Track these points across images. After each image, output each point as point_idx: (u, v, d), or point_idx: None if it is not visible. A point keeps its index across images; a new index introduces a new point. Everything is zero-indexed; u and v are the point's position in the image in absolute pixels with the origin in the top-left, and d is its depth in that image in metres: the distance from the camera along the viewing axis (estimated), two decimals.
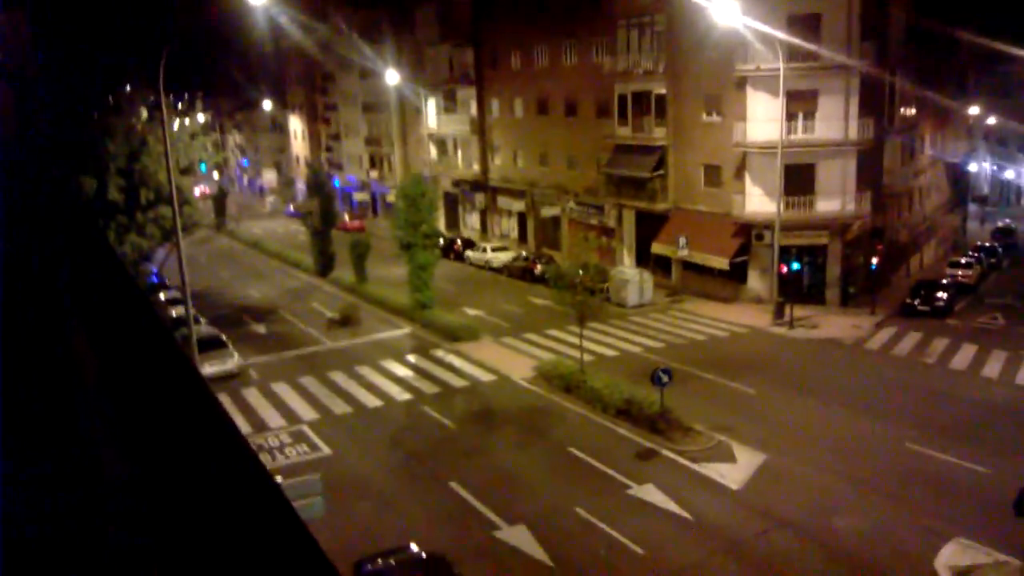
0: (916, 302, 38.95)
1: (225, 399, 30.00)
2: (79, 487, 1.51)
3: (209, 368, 31.00)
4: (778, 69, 35.66)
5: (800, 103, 38.55)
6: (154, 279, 42.82)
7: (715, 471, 22.37)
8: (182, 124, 34.49)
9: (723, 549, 18.66)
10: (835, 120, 38.53)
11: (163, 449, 1.63)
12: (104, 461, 1.61)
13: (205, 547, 1.35)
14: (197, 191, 34.73)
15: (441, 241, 47.63)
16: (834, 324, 37.03)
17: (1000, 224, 63.71)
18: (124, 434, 1.72)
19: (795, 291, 37.38)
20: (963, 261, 46.91)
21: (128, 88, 33.20)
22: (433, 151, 67.56)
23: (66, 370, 2.09)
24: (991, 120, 70.78)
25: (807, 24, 37.85)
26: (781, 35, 36.21)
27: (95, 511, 1.44)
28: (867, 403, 27.35)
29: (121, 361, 2.13)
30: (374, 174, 77.19)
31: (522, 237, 58.24)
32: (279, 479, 15.22)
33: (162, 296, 41.38)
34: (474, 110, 60.92)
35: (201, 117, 34.29)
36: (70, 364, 2.15)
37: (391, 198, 65.57)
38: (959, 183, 63.83)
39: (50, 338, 2.25)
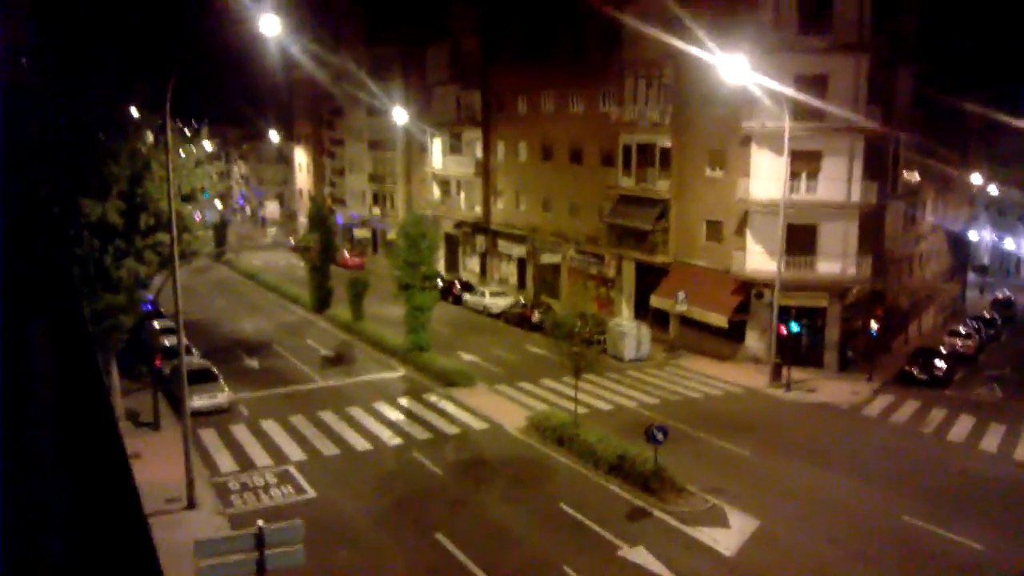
0: (915, 370, 38.68)
1: (213, 434, 29.55)
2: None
3: (198, 401, 30.56)
4: (783, 127, 35.77)
5: (804, 163, 38.63)
6: (149, 307, 42.45)
7: (708, 536, 21.89)
8: (188, 150, 34.32)
9: None
10: (839, 181, 38.57)
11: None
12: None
13: None
14: (197, 216, 34.45)
15: (440, 283, 47.41)
16: (831, 388, 36.69)
17: (999, 295, 63.71)
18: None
19: (793, 353, 37.10)
20: (963, 331, 46.75)
21: (135, 111, 33.13)
22: (436, 191, 67.68)
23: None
24: (993, 189, 71.13)
25: (814, 84, 38.04)
26: (788, 93, 36.38)
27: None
28: (863, 471, 26.94)
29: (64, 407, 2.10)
30: (376, 211, 77.26)
31: (521, 283, 58.06)
32: (261, 523, 14.79)
33: (156, 324, 41.00)
34: (479, 152, 61.14)
35: (207, 145, 34.35)
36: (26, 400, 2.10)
37: (392, 236, 65.60)
38: (959, 251, 63.87)
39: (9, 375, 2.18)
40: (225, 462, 27.01)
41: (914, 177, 47.38)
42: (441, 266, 61.21)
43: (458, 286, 56.66)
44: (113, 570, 1.59)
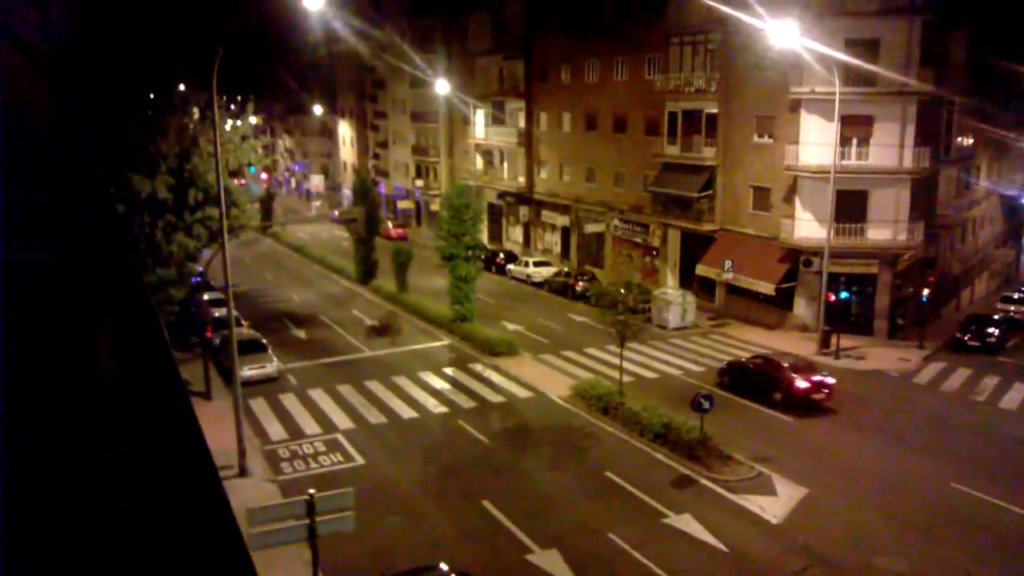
0: (967, 337, 37.95)
1: (263, 403, 30.13)
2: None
3: (248, 372, 31.13)
4: (834, 93, 35.04)
5: (855, 128, 37.85)
6: (199, 279, 43.22)
7: (754, 503, 21.84)
8: (233, 126, 34.71)
9: None
10: (890, 147, 37.75)
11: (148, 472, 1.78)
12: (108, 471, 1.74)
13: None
14: (242, 184, 34.83)
15: (483, 254, 47.52)
16: (881, 356, 36.17)
17: None
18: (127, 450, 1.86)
19: (842, 320, 36.61)
20: (1016, 296, 45.67)
21: (182, 87, 33.53)
22: (479, 162, 67.62)
23: (84, 376, 2.14)
24: None
25: (866, 48, 37.17)
26: (839, 58, 35.60)
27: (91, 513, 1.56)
28: (913, 439, 26.61)
29: (129, 376, 2.18)
30: (420, 183, 77.47)
31: (564, 253, 57.96)
32: (312, 492, 15.09)
33: (206, 296, 41.70)
34: (522, 122, 60.86)
35: (252, 119, 34.69)
36: (89, 370, 2.17)
37: (435, 207, 65.78)
38: (1014, 217, 62.24)
39: (72, 342, 2.25)
40: (276, 430, 27.55)
41: (968, 141, 46.19)
42: (484, 237, 61.29)
43: (501, 256, 56.74)
44: (193, 525, 1.66)
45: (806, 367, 30.00)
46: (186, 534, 1.58)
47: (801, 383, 28.60)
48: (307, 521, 14.89)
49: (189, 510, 1.66)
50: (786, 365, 29.59)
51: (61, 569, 1.38)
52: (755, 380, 30.08)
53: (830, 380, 29.17)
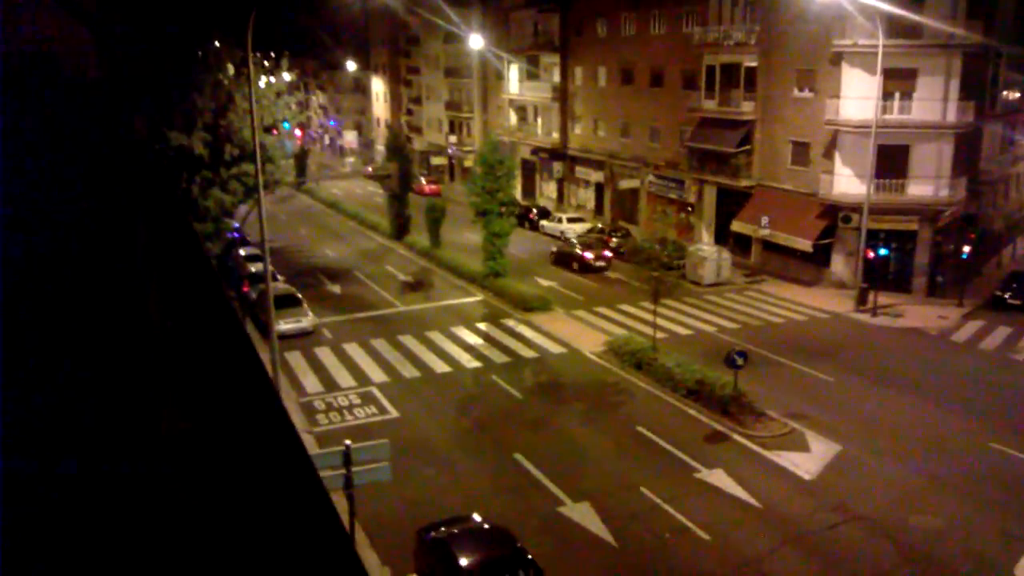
0: (1007, 295, 37.25)
1: (299, 356, 30.50)
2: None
3: (284, 325, 31.49)
4: (876, 46, 34.21)
5: (898, 82, 36.99)
6: (235, 235, 43.68)
7: (787, 460, 21.81)
8: (268, 82, 34.71)
9: (792, 540, 18.19)
10: (934, 101, 36.87)
11: (208, 412, 1.77)
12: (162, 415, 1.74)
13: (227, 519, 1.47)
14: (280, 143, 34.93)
15: (517, 209, 47.40)
16: (919, 314, 35.70)
17: None
18: (179, 394, 1.85)
19: (880, 278, 36.13)
20: None
21: (216, 43, 33.53)
22: (513, 118, 67.13)
23: (136, 326, 2.17)
24: None
25: None
26: (883, 9, 34.69)
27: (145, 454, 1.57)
28: (950, 398, 26.32)
29: (186, 330, 2.20)
30: (453, 139, 77.16)
31: (598, 209, 57.61)
32: (348, 442, 15.30)
33: (242, 252, 42.17)
34: (557, 77, 60.21)
35: (286, 76, 34.70)
36: (141, 322, 2.19)
37: (469, 163, 65.51)
38: None
39: (122, 293, 2.27)
40: (311, 383, 27.91)
41: (1015, 95, 44.95)
42: (518, 193, 61.06)
43: (535, 212, 56.53)
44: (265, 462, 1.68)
45: (596, 246, 44.66)
46: (259, 470, 1.61)
47: (588, 255, 43.21)
48: (344, 471, 15.13)
49: (261, 447, 1.69)
50: (579, 246, 44.25)
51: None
52: (567, 258, 44.28)
53: (608, 254, 43.55)
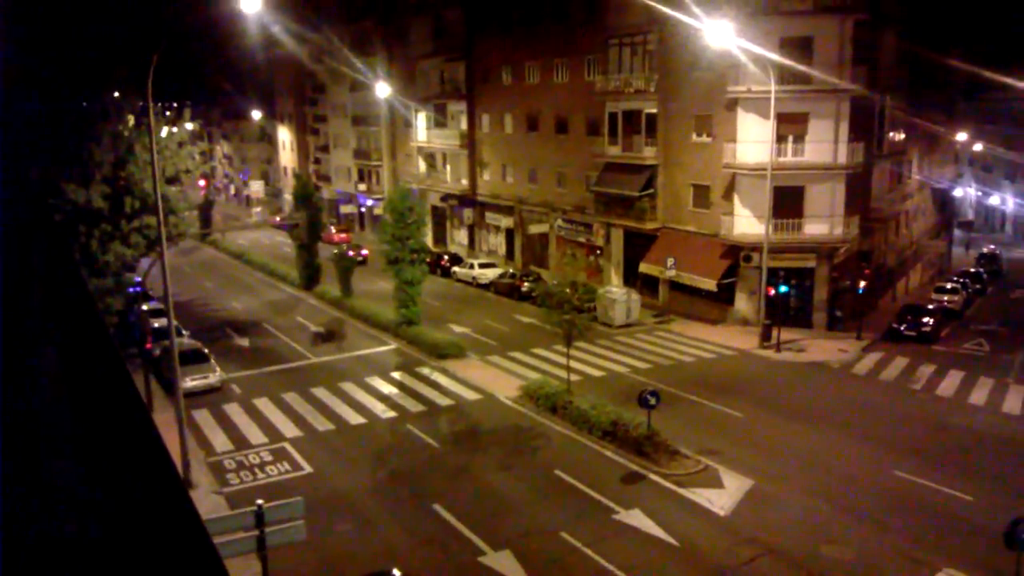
0: (902, 327, 38.98)
1: (207, 414, 29.61)
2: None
3: (191, 382, 30.57)
4: (769, 91, 35.70)
5: (791, 126, 38.62)
6: (137, 289, 42.31)
7: (702, 496, 22.13)
8: (170, 132, 34.02)
9: None
10: (825, 143, 38.60)
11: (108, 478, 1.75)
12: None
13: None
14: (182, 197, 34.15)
15: (428, 257, 47.38)
16: (821, 348, 36.97)
17: (985, 250, 64.09)
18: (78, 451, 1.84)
19: (782, 314, 37.33)
20: (949, 287, 47.06)
21: (116, 93, 32.74)
22: (422, 165, 67.37)
23: (31, 386, 2.11)
24: (977, 146, 71.32)
25: (799, 47, 37.96)
26: (774, 57, 36.29)
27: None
28: (855, 428, 27.22)
29: (79, 386, 2.16)
30: (362, 187, 76.89)
31: (509, 254, 58.05)
32: (260, 502, 14.87)
33: (145, 307, 40.83)
34: (464, 125, 60.79)
35: (189, 125, 34.03)
36: (35, 381, 2.14)
37: (379, 211, 65.28)
38: (945, 208, 64.21)
39: (19, 354, 2.22)
40: (220, 441, 27.09)
41: (900, 136, 47.45)
42: (429, 239, 61.06)
43: (446, 259, 56.63)
44: (162, 534, 1.64)
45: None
46: (157, 543, 1.58)
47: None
48: (256, 532, 14.66)
49: (157, 519, 1.65)
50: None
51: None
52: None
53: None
